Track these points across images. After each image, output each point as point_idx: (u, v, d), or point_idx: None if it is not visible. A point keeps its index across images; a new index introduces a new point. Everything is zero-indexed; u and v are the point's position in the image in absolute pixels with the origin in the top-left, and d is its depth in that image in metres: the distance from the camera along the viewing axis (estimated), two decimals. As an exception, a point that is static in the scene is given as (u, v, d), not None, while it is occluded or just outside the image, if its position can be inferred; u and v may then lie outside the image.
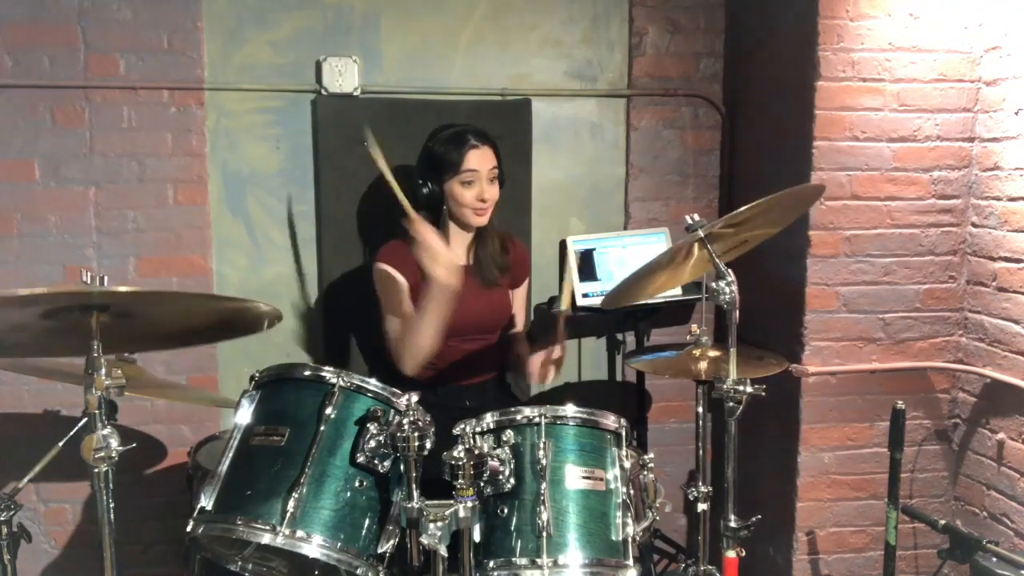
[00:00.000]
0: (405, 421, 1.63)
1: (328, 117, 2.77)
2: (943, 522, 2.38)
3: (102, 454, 1.51)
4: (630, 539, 1.71)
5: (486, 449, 1.69)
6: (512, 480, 1.72)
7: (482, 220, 2.35)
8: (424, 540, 1.60)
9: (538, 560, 1.66)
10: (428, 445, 1.64)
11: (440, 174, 2.31)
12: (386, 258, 2.34)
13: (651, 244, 2.86)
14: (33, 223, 2.66)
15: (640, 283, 2.05)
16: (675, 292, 2.84)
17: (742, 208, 1.86)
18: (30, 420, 2.71)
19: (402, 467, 1.65)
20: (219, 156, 2.78)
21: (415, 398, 1.72)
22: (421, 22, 2.83)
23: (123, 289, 1.47)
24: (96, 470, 1.52)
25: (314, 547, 1.65)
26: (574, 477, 1.74)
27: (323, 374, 1.81)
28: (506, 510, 1.71)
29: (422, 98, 2.84)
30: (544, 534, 1.66)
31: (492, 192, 2.34)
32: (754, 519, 1.93)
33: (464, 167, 2.29)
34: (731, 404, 1.85)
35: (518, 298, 2.55)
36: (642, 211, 3.01)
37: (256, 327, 1.79)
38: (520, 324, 2.59)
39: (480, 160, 2.30)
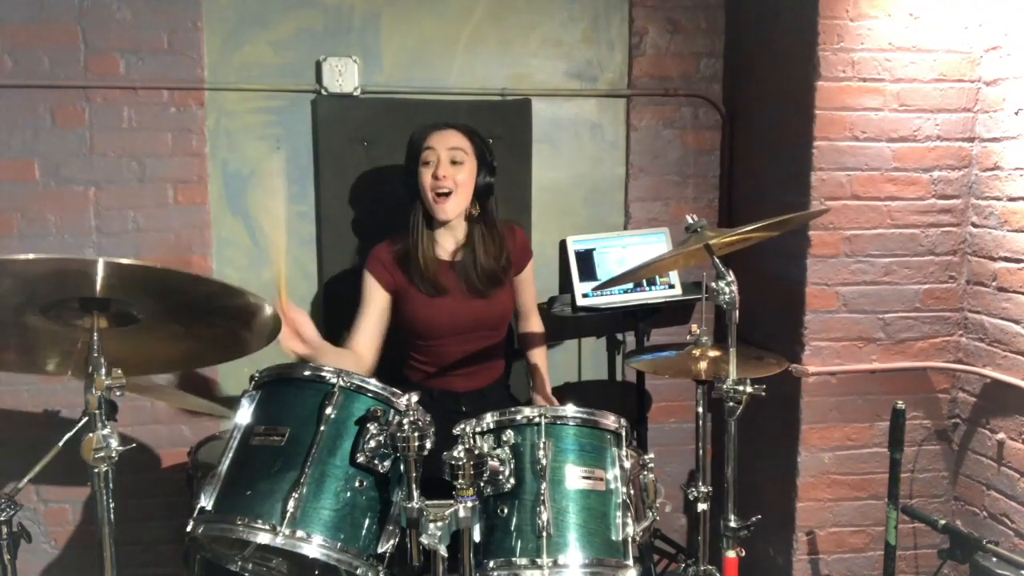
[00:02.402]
0: (405, 421, 1.63)
1: (328, 117, 2.77)
2: (943, 522, 2.38)
3: (102, 454, 1.51)
4: (630, 539, 1.71)
5: (486, 449, 1.69)
6: (512, 480, 1.72)
7: (442, 211, 2.27)
8: (424, 540, 1.60)
9: (538, 560, 1.65)
10: (428, 445, 1.64)
11: (412, 163, 2.32)
12: (370, 264, 2.38)
13: (651, 244, 2.86)
14: (33, 223, 2.67)
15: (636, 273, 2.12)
16: (675, 292, 2.85)
17: (747, 227, 1.88)
18: (30, 420, 2.71)
19: (402, 467, 1.65)
20: (219, 156, 2.78)
21: (415, 398, 1.72)
22: (421, 22, 2.83)
23: (124, 261, 1.45)
24: (96, 470, 1.52)
25: (314, 547, 1.65)
26: (574, 477, 1.74)
27: (323, 374, 1.81)
28: (506, 510, 1.71)
29: (422, 98, 2.84)
30: (544, 534, 1.66)
31: (451, 172, 2.27)
32: (754, 519, 1.93)
33: (423, 146, 2.29)
34: (731, 404, 1.85)
35: (524, 282, 2.52)
36: (642, 211, 3.01)
37: (255, 342, 1.78)
38: (532, 310, 2.58)
39: (439, 138, 2.29)
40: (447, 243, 2.38)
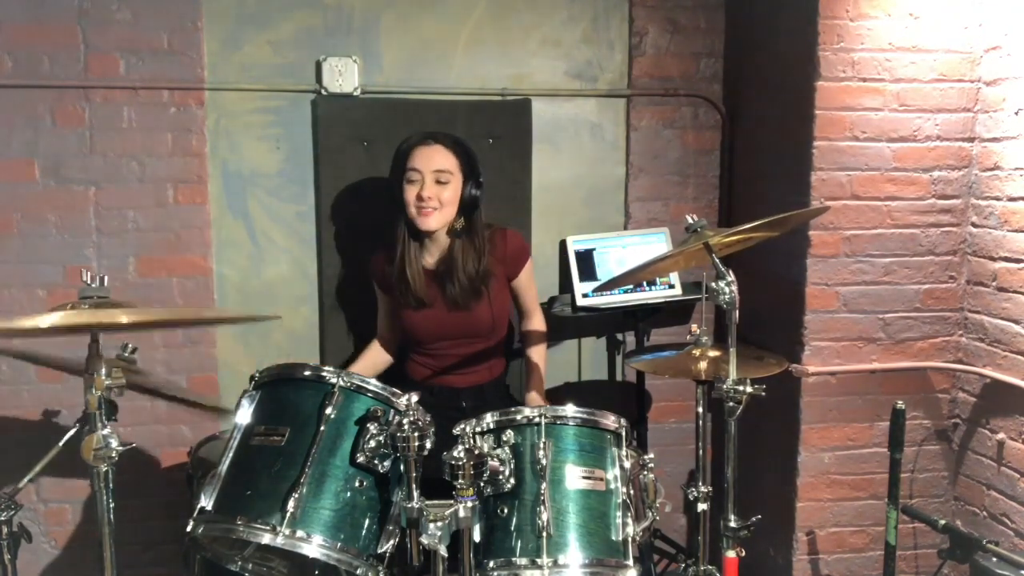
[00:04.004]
0: (405, 421, 1.63)
1: (328, 117, 2.77)
2: (943, 522, 2.38)
3: (102, 454, 1.51)
4: (630, 539, 1.71)
5: (486, 449, 1.69)
6: (512, 480, 1.72)
7: (425, 222, 2.29)
8: (424, 540, 1.60)
9: (538, 560, 1.66)
10: (428, 445, 1.64)
11: (398, 175, 2.34)
12: (370, 272, 2.51)
13: (651, 244, 2.86)
14: (33, 223, 2.66)
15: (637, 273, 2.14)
16: (675, 292, 2.85)
17: (747, 226, 1.87)
18: (30, 420, 2.71)
19: (402, 467, 1.65)
20: (219, 156, 2.78)
21: (415, 398, 1.72)
22: (421, 22, 2.83)
23: (124, 320, 1.46)
24: (96, 470, 1.52)
25: (314, 547, 1.65)
26: (574, 477, 1.74)
27: (323, 374, 1.81)
28: (506, 510, 1.71)
29: (422, 98, 2.83)
30: (544, 534, 1.66)
31: (436, 192, 2.28)
32: (754, 519, 1.93)
33: (408, 164, 2.31)
34: (731, 404, 1.85)
35: (522, 285, 2.52)
36: (642, 211, 3.01)
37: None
38: (533, 309, 2.57)
39: (424, 158, 2.29)
40: (432, 253, 2.41)
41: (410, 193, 2.30)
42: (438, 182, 2.29)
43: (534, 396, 2.47)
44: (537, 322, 2.58)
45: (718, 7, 2.97)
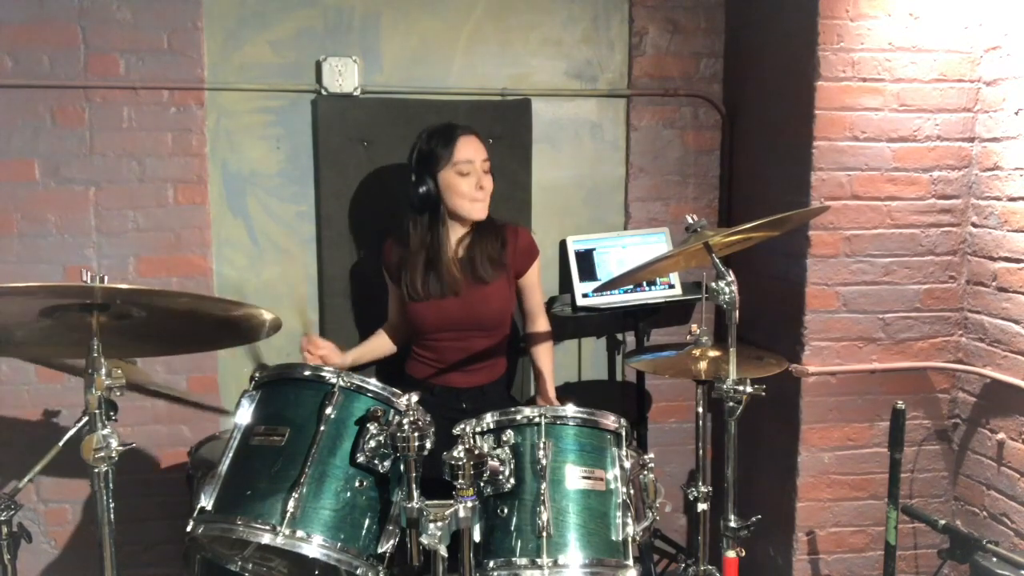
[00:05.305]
0: (405, 421, 1.63)
1: (328, 117, 2.77)
2: (943, 522, 2.38)
3: (102, 454, 1.51)
4: (630, 539, 1.71)
5: (486, 449, 1.69)
6: (512, 480, 1.72)
7: (481, 213, 2.37)
8: (424, 540, 1.60)
9: (538, 560, 1.66)
10: (428, 445, 1.64)
11: (434, 168, 2.33)
12: (383, 261, 2.50)
13: (651, 244, 2.86)
14: (33, 223, 2.67)
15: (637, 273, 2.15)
16: (675, 292, 2.85)
17: (747, 226, 1.87)
18: (30, 420, 2.71)
19: (402, 467, 1.65)
20: (219, 156, 2.78)
21: (415, 398, 1.72)
22: (421, 22, 2.83)
23: (123, 287, 1.47)
24: (96, 470, 1.52)
25: (314, 547, 1.65)
26: (574, 477, 1.74)
27: (323, 374, 1.81)
28: (506, 510, 1.71)
29: (422, 98, 2.84)
30: (544, 534, 1.66)
31: (488, 182, 2.37)
32: (754, 519, 1.93)
33: (458, 156, 2.31)
34: (731, 404, 1.85)
35: (530, 284, 2.53)
36: (642, 211, 3.01)
37: (255, 335, 1.79)
38: (539, 311, 2.57)
39: (473, 149, 2.34)
40: (455, 239, 2.43)
41: (465, 184, 2.33)
42: (485, 172, 2.36)
43: (544, 396, 2.48)
44: (543, 324, 2.58)
45: (718, 7, 2.97)
